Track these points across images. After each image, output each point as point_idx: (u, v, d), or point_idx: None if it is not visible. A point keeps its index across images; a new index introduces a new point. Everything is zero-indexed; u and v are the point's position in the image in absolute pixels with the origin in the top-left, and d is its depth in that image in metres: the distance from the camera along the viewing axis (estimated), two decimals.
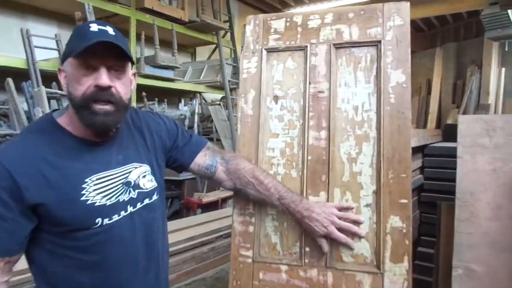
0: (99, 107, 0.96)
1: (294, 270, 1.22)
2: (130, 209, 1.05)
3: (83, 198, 0.96)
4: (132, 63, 1.03)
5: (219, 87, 5.22)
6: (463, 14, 4.44)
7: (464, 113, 3.77)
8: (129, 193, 1.05)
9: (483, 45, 4.04)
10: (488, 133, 1.32)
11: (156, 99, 4.15)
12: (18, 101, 3.42)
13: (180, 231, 3.26)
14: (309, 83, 1.27)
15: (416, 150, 2.29)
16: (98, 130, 1.00)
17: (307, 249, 1.22)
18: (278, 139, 1.29)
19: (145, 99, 3.80)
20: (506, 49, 3.90)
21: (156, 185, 1.12)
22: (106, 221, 0.99)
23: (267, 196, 1.17)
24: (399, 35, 1.21)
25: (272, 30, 1.33)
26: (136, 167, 1.08)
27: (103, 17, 3.92)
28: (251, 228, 1.25)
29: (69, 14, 3.30)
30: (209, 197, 4.09)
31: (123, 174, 1.05)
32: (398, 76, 1.20)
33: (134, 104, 3.59)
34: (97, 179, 1.00)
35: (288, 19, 1.31)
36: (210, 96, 5.80)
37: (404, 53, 1.21)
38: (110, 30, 0.98)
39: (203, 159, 1.21)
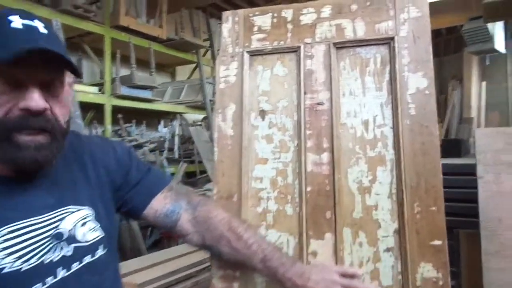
0: (28, 138, 0.68)
1: None
2: (62, 273, 0.73)
3: None
4: (76, 73, 0.74)
5: (200, 107, 4.97)
6: (442, 31, 4.55)
7: (448, 127, 3.78)
8: (60, 250, 0.73)
9: (463, 60, 4.14)
10: None
11: (134, 121, 3.88)
12: None
13: (163, 264, 2.99)
14: (305, 93, 1.00)
15: None
16: (26, 169, 0.71)
17: None
18: (267, 166, 1.00)
19: (121, 121, 3.52)
20: (487, 63, 3.96)
21: (101, 235, 0.80)
22: None
23: (247, 257, 0.85)
24: (416, 30, 0.96)
25: (256, 28, 1.06)
26: (72, 212, 0.77)
27: (76, 36, 3.67)
28: (235, 286, 0.95)
29: None
30: None
31: (52, 223, 0.74)
32: (418, 81, 0.93)
33: (109, 127, 3.31)
34: (9, 232, 0.69)
35: (276, 14, 1.05)
36: (191, 117, 5.55)
37: (424, 51, 0.95)
38: (40, 26, 0.70)
39: (162, 203, 0.89)
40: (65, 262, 0.74)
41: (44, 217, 0.73)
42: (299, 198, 0.96)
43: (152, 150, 3.64)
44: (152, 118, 4.36)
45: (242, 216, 0.98)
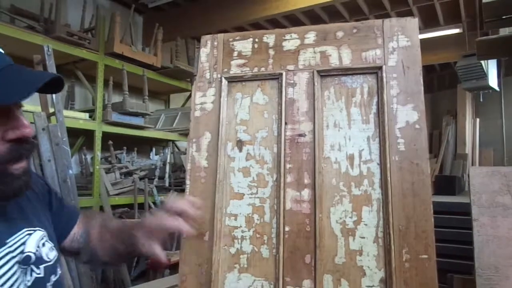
0: (17, 166, 0.65)
1: None
2: None
3: None
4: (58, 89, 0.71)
5: None
6: (436, 67, 4.63)
7: (442, 163, 3.79)
8: (31, 274, 0.68)
9: (456, 96, 4.20)
10: (509, 189, 1.02)
11: (125, 148, 3.80)
12: None
13: None
14: (286, 123, 0.92)
15: None
16: (11, 198, 0.67)
17: None
18: (242, 202, 0.91)
19: (111, 148, 3.44)
20: (481, 100, 4.00)
21: (57, 254, 0.76)
22: None
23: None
24: (406, 60, 0.89)
25: (236, 53, 0.99)
26: (30, 234, 0.71)
27: (70, 62, 3.66)
28: None
29: (27, 57, 3.01)
30: (177, 255, 3.61)
31: (17, 248, 0.67)
32: (408, 114, 0.86)
33: (98, 153, 3.24)
34: None
35: (257, 39, 0.99)
36: (183, 145, 5.49)
37: (414, 83, 0.88)
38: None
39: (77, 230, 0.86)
40: (39, 284, 0.69)
41: (8, 244, 0.67)
42: (276, 239, 0.87)
43: (142, 178, 3.53)
44: (144, 145, 4.28)
45: (213, 257, 0.88)
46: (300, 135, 0.91)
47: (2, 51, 0.66)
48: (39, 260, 0.71)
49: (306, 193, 0.88)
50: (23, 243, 0.69)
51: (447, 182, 2.54)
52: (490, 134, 4.11)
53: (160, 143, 4.48)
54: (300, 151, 0.90)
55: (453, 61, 3.72)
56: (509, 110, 4.10)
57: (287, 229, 0.86)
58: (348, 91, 0.91)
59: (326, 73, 0.93)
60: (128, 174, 3.57)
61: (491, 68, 3.38)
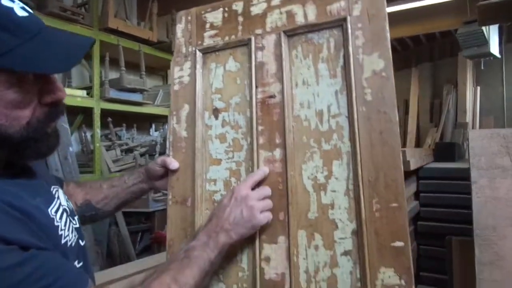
0: (51, 125, 0.69)
1: None
2: (81, 243, 0.77)
3: None
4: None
5: None
6: (437, 35, 4.35)
7: (443, 132, 3.64)
8: (70, 223, 0.75)
9: (457, 64, 3.97)
10: (508, 151, 0.97)
11: (124, 124, 3.77)
12: None
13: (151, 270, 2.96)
14: (256, 86, 0.93)
15: (409, 173, 1.90)
16: (45, 157, 0.72)
17: None
18: (220, 167, 0.94)
19: (111, 125, 3.46)
20: (482, 67, 3.77)
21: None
22: None
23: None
24: (370, 8, 0.86)
25: (208, 25, 1.01)
26: (57, 189, 0.79)
27: None
28: None
29: None
30: None
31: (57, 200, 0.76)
32: (374, 62, 0.84)
33: (98, 131, 3.24)
34: (56, 211, 0.71)
35: (227, 9, 1.00)
36: None
37: (380, 30, 0.85)
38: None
39: None
40: (79, 233, 0.77)
41: (55, 196, 0.75)
42: None
43: (142, 154, 3.55)
44: (143, 121, 4.19)
45: (196, 221, 0.92)
46: (271, 96, 0.92)
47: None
48: (73, 212, 0.79)
49: (277, 153, 0.89)
50: (58, 197, 0.76)
51: (446, 149, 2.41)
52: (491, 102, 3.86)
53: (160, 119, 4.30)
54: (271, 112, 0.91)
55: (454, 28, 3.49)
56: (510, 77, 3.84)
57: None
58: (315, 47, 0.90)
59: (292, 32, 0.92)
60: (129, 150, 3.57)
61: (493, 35, 3.16)
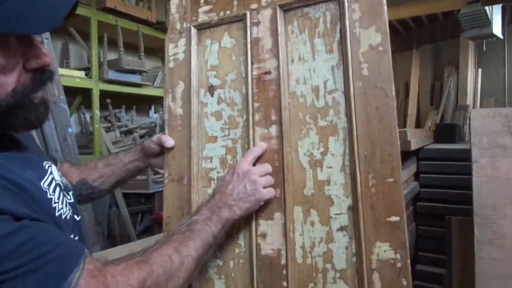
0: (37, 95, 0.65)
1: None
2: (76, 218, 0.76)
3: None
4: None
5: None
6: (439, 16, 4.28)
7: (443, 115, 3.64)
8: (64, 198, 0.73)
9: (459, 46, 3.92)
10: (510, 130, 0.97)
11: (123, 106, 3.72)
12: None
13: None
14: (252, 63, 0.92)
15: (410, 154, 1.90)
16: (34, 128, 0.69)
17: None
18: (216, 144, 0.94)
19: (110, 107, 3.40)
20: (484, 49, 3.73)
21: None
22: None
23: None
24: None
25: (202, 0, 0.99)
26: (50, 165, 0.77)
27: None
28: None
29: None
30: None
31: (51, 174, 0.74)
32: (371, 37, 0.82)
33: (97, 112, 3.23)
34: (49, 185, 0.70)
35: None
36: None
37: (376, 3, 0.83)
38: None
39: None
40: (74, 208, 0.76)
41: (48, 170, 0.74)
42: None
43: (142, 136, 3.53)
44: (143, 103, 4.15)
45: (192, 198, 0.92)
46: (266, 73, 0.91)
47: None
48: (67, 188, 0.78)
49: (273, 130, 0.88)
50: (51, 172, 0.74)
51: (447, 130, 2.40)
52: (492, 84, 3.83)
53: (159, 101, 4.20)
54: (266, 88, 0.90)
55: (458, 8, 3.44)
56: None
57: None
58: (311, 22, 0.89)
59: (288, 7, 0.90)
60: (128, 132, 3.55)
61: (496, 15, 3.10)
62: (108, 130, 3.38)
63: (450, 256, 1.10)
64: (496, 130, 0.99)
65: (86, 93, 3.23)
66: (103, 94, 3.24)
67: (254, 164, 0.86)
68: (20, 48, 0.61)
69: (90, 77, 3.16)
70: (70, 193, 0.78)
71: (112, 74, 3.22)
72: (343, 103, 0.84)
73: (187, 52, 0.99)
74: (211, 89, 0.96)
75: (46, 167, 0.74)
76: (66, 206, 0.71)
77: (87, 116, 3.36)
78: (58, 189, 0.71)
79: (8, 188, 0.58)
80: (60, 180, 0.76)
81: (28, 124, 0.65)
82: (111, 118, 3.42)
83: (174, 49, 1.00)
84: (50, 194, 0.68)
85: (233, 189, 0.81)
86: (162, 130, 3.78)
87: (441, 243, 1.30)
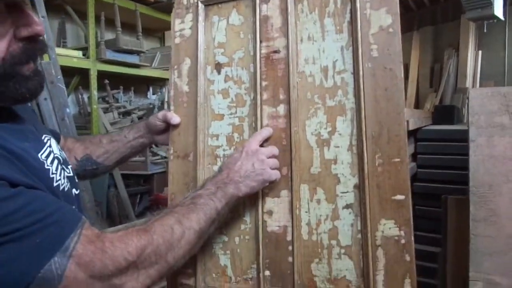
0: (28, 67, 0.63)
1: None
2: (75, 192, 0.75)
3: None
4: None
5: None
6: None
7: (442, 97, 3.70)
8: (63, 171, 0.73)
9: (460, 28, 3.93)
10: (508, 109, 0.99)
11: (121, 87, 3.68)
12: None
13: None
14: (260, 41, 0.92)
15: (408, 134, 1.93)
16: (27, 101, 0.67)
17: (267, 273, 0.86)
18: (223, 122, 0.94)
19: (108, 87, 3.37)
20: (485, 30, 3.75)
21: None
22: None
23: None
24: None
25: None
26: (49, 138, 0.76)
27: None
28: None
29: None
30: None
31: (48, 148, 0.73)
32: (382, 18, 0.83)
33: (95, 92, 3.19)
34: (47, 156, 0.70)
35: None
36: None
37: None
38: None
39: None
40: (72, 182, 0.75)
41: (46, 143, 0.73)
42: None
43: (140, 117, 3.51)
44: (141, 84, 4.13)
45: (198, 175, 0.93)
46: (275, 51, 0.91)
47: None
48: (66, 162, 0.77)
49: (281, 109, 0.89)
50: (50, 146, 0.73)
51: (446, 111, 2.43)
52: (492, 67, 3.88)
53: (157, 82, 4.26)
54: (275, 67, 0.90)
55: None
56: None
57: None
58: (322, 2, 0.89)
59: None
60: (126, 113, 3.54)
61: None
62: (106, 111, 3.35)
63: (445, 234, 1.14)
64: (494, 110, 1.01)
65: (83, 73, 3.19)
66: (101, 75, 3.20)
67: (262, 145, 0.86)
68: (10, 16, 0.59)
69: (87, 57, 3.12)
70: (69, 167, 0.78)
71: (109, 54, 3.18)
72: (351, 83, 0.85)
73: (194, 28, 0.98)
74: (218, 66, 0.96)
75: (45, 140, 0.74)
76: (64, 179, 0.71)
77: (85, 96, 3.32)
78: (56, 161, 0.71)
79: (5, 156, 0.57)
80: (59, 154, 0.75)
81: (19, 96, 0.63)
82: (109, 99, 3.39)
83: (181, 25, 0.99)
84: (47, 165, 0.67)
85: (241, 166, 0.81)
86: (160, 111, 3.78)
87: (438, 223, 1.34)
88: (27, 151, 0.63)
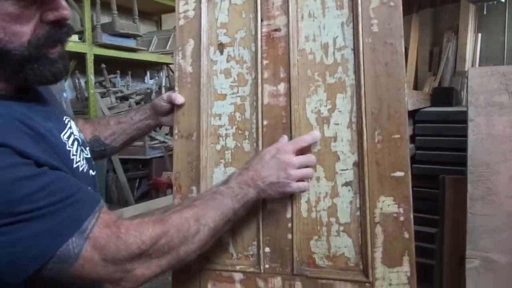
0: (54, 50, 0.65)
1: (252, 279, 0.88)
2: (92, 173, 0.78)
3: None
4: None
5: None
6: None
7: (441, 80, 3.58)
8: (82, 153, 0.76)
9: (459, 10, 3.76)
10: (507, 88, 0.96)
11: (118, 71, 3.64)
12: None
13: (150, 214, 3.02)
14: (261, 20, 0.92)
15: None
16: (52, 83, 0.68)
17: (267, 249, 0.87)
18: (225, 102, 0.95)
19: (105, 72, 3.33)
20: (485, 12, 3.58)
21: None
22: None
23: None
24: None
25: None
26: (69, 120, 0.79)
27: None
28: None
29: None
30: None
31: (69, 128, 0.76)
32: None
33: (91, 77, 3.15)
34: (68, 138, 0.72)
35: None
36: None
37: None
38: None
39: None
40: (90, 163, 0.78)
41: (67, 125, 0.76)
42: (256, 133, 0.90)
43: (138, 102, 3.50)
44: (138, 69, 4.07)
45: (201, 154, 0.94)
46: (276, 30, 0.90)
47: None
48: (84, 143, 0.80)
49: (282, 87, 0.89)
50: (70, 127, 0.76)
51: (444, 93, 2.36)
52: (491, 50, 3.70)
53: (155, 67, 4.21)
54: (276, 46, 0.90)
55: None
56: None
57: (265, 123, 0.89)
58: None
59: None
60: (124, 98, 3.50)
61: None
62: (103, 95, 3.33)
63: (442, 214, 1.12)
64: (493, 89, 0.98)
65: (80, 57, 3.16)
66: (98, 59, 3.16)
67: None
68: (35, 1, 0.60)
69: (83, 41, 3.08)
70: (87, 148, 0.80)
71: (106, 38, 3.12)
72: (352, 60, 0.84)
73: (197, 9, 0.98)
74: (221, 46, 0.97)
75: (66, 122, 0.76)
76: (83, 160, 0.74)
77: (82, 81, 3.29)
78: (76, 143, 0.74)
79: (29, 134, 0.60)
80: (78, 135, 0.78)
81: (43, 79, 0.65)
82: (106, 83, 3.35)
83: (185, 6, 1.00)
84: (69, 146, 0.70)
85: (267, 175, 0.79)
86: (158, 96, 3.73)
87: (436, 204, 1.32)
88: (50, 131, 0.65)
